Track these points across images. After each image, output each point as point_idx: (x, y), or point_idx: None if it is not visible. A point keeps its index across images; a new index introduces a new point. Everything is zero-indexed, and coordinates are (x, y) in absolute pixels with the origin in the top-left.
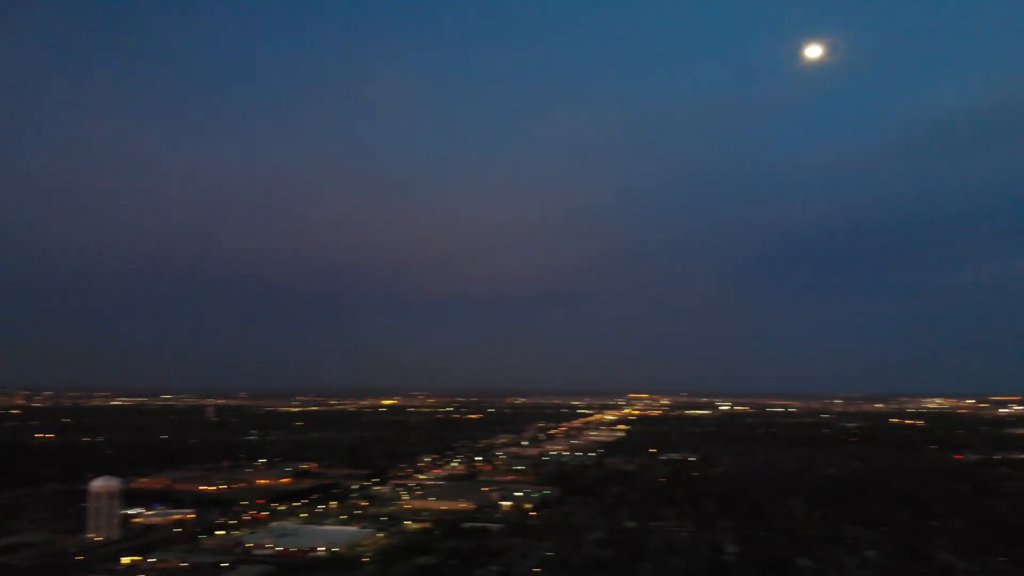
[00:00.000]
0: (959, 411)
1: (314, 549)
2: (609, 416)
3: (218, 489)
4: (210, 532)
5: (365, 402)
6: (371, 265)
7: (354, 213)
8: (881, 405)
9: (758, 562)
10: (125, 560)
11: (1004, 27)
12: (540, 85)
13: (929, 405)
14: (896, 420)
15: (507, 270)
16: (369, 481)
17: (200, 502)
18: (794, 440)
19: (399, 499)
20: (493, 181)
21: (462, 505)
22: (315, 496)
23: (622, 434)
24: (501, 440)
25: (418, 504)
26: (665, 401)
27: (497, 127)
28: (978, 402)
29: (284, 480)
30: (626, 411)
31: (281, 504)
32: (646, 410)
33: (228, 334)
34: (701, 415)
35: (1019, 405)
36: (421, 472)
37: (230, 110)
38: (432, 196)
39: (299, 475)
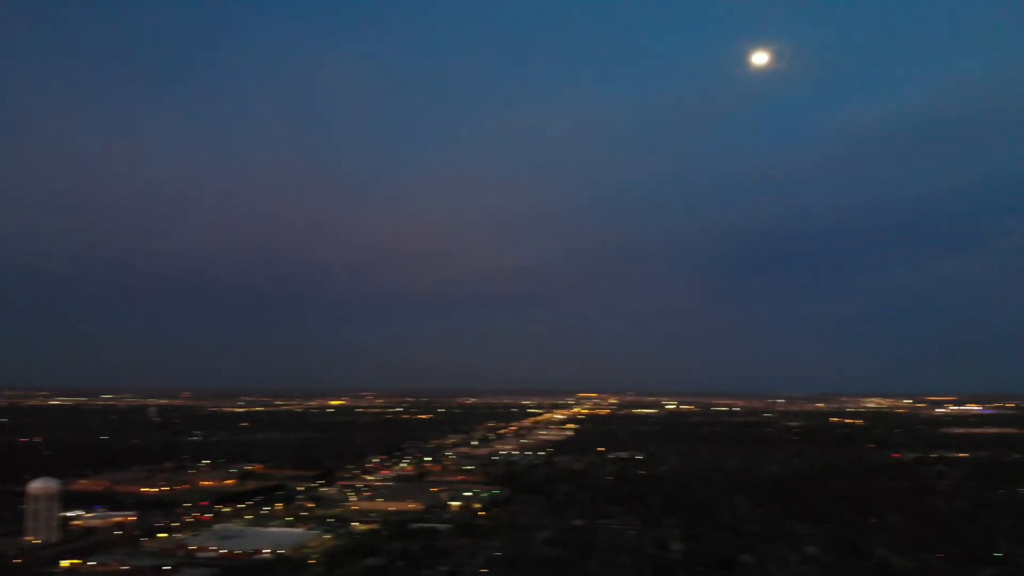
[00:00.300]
0: (897, 411)
1: (259, 551)
2: (559, 415)
3: (160, 491)
4: (152, 535)
5: (312, 403)
6: (320, 265)
7: (305, 213)
8: (822, 405)
9: (703, 559)
10: (64, 563)
11: (945, 38)
12: (497, 89)
13: (868, 405)
14: (836, 419)
15: (457, 271)
16: (316, 482)
17: (142, 504)
18: (738, 439)
19: (346, 500)
20: (444, 183)
21: (410, 506)
22: (260, 498)
23: (571, 433)
24: (451, 440)
25: (366, 505)
26: (613, 400)
27: (453, 128)
28: (915, 402)
29: (228, 482)
30: (575, 410)
31: (225, 506)
32: (595, 409)
33: (171, 333)
34: (648, 414)
35: (955, 405)
36: (369, 473)
37: (183, 107)
38: (384, 197)
39: (244, 476)
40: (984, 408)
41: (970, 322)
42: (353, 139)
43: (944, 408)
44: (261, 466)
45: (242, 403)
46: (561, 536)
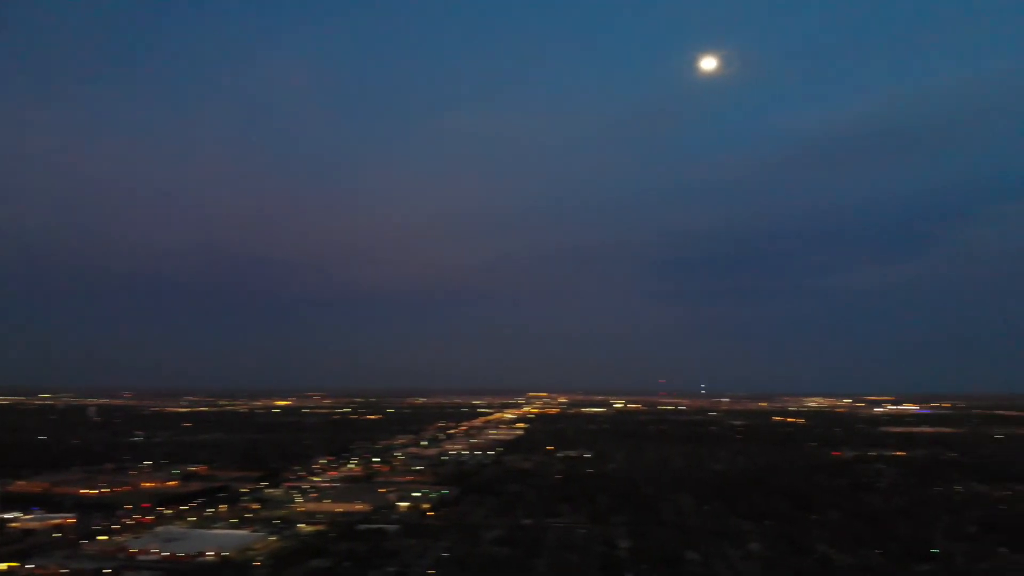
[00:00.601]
0: (837, 410)
1: (203, 554)
2: (509, 414)
3: (100, 493)
4: (92, 537)
5: (257, 403)
6: (266, 263)
7: (250, 209)
8: (765, 404)
9: (649, 556)
10: (2, 566)
11: (889, 49)
12: (443, 88)
13: (809, 404)
14: (779, 418)
15: (407, 269)
16: (261, 484)
17: (81, 506)
18: (684, 437)
19: (292, 502)
20: (396, 181)
21: (358, 507)
22: (204, 499)
23: (521, 432)
24: (400, 441)
25: (312, 507)
26: (563, 399)
27: (399, 127)
28: (855, 401)
29: (171, 483)
30: (525, 409)
31: (168, 508)
32: (545, 408)
33: (113, 331)
34: (597, 413)
35: (893, 405)
36: (316, 474)
37: (129, 101)
38: (331, 194)
39: (187, 478)
40: (921, 408)
41: (907, 324)
42: (302, 137)
43: (882, 408)
44: (205, 467)
45: (185, 403)
46: (510, 535)
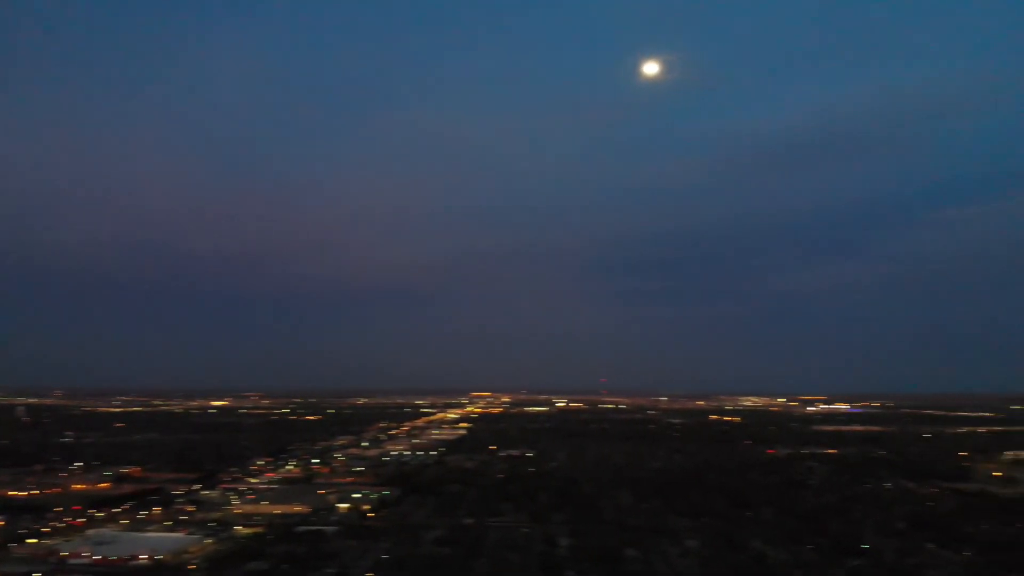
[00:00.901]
0: (772, 409)
1: (136, 557)
2: (452, 414)
3: (29, 494)
4: (21, 540)
5: (193, 403)
6: (203, 259)
7: (187, 205)
8: (702, 403)
9: (589, 554)
10: None
11: (833, 58)
12: (387, 88)
13: (745, 403)
14: (715, 417)
15: (349, 268)
16: (196, 485)
17: (9, 508)
18: (624, 435)
19: (229, 504)
20: (336, 178)
21: (297, 509)
22: (137, 502)
23: (463, 432)
24: (340, 442)
25: (249, 508)
26: (506, 399)
27: (345, 126)
28: (788, 401)
29: (103, 485)
30: (468, 409)
31: (99, 510)
32: (487, 408)
33: (42, 328)
34: (539, 412)
35: (825, 404)
36: (253, 476)
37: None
38: (273, 191)
39: (119, 480)
40: (852, 407)
41: (841, 326)
42: (239, 133)
43: (815, 407)
44: (138, 469)
45: (118, 402)
46: (451, 535)
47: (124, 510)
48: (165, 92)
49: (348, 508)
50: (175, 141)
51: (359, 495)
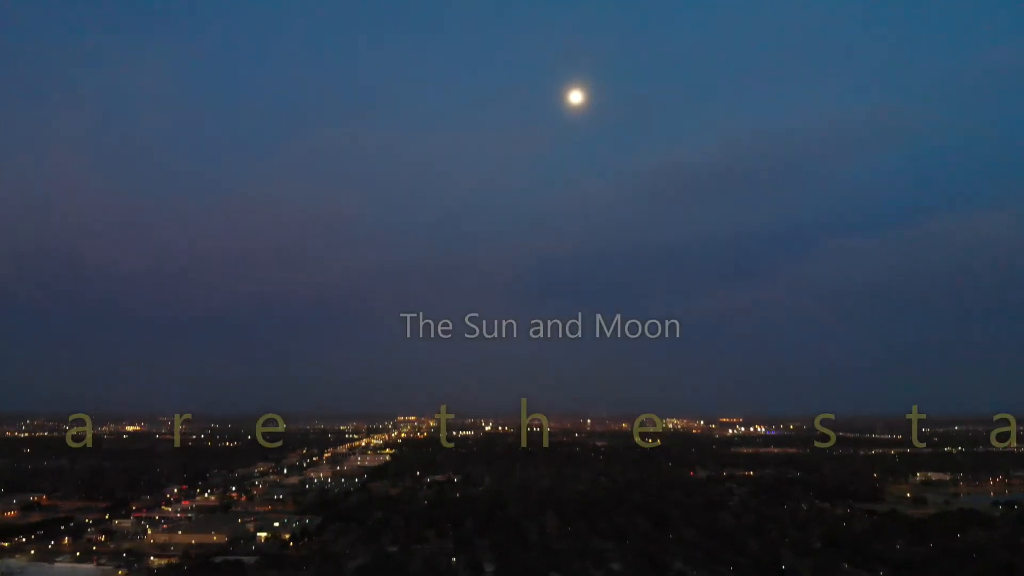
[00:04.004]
0: (693, 431)
1: None
2: (376, 440)
3: None
4: None
5: (105, 427)
6: (116, 276)
7: (98, 219)
8: (626, 425)
9: None
10: None
11: (746, 92)
12: (305, 101)
13: (667, 425)
14: (638, 439)
15: (268, 288)
16: (108, 514)
17: None
18: (548, 457)
19: (143, 533)
20: (251, 194)
21: (215, 538)
22: (44, 531)
23: (388, 458)
24: (260, 468)
25: (164, 538)
26: (432, 423)
27: (261, 139)
28: (708, 423)
29: (8, 513)
30: (394, 434)
31: (4, 540)
32: (413, 432)
33: None
34: (466, 435)
35: (743, 426)
36: (169, 504)
37: None
38: (185, 207)
39: (26, 508)
40: (768, 429)
41: (756, 349)
42: (166, 147)
43: (734, 429)
44: (45, 497)
45: (25, 427)
46: (374, 563)
47: (31, 540)
48: (85, 101)
49: (268, 537)
50: (95, 153)
51: (279, 523)
